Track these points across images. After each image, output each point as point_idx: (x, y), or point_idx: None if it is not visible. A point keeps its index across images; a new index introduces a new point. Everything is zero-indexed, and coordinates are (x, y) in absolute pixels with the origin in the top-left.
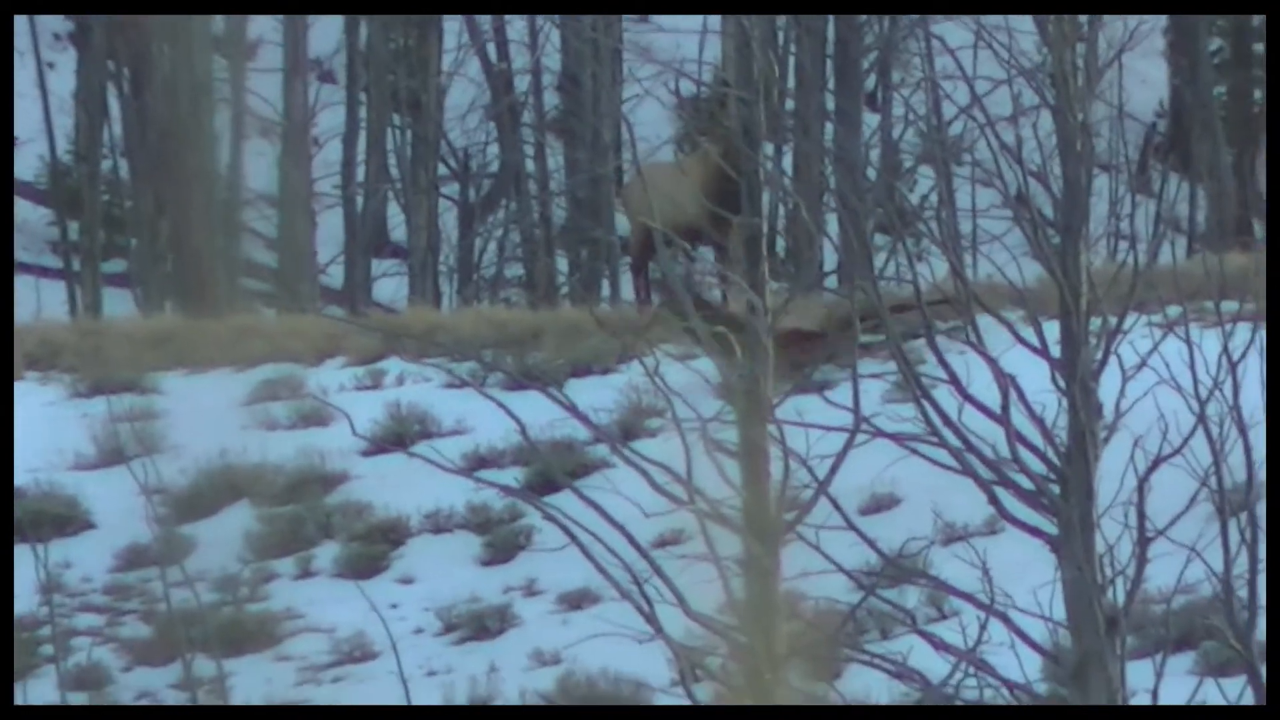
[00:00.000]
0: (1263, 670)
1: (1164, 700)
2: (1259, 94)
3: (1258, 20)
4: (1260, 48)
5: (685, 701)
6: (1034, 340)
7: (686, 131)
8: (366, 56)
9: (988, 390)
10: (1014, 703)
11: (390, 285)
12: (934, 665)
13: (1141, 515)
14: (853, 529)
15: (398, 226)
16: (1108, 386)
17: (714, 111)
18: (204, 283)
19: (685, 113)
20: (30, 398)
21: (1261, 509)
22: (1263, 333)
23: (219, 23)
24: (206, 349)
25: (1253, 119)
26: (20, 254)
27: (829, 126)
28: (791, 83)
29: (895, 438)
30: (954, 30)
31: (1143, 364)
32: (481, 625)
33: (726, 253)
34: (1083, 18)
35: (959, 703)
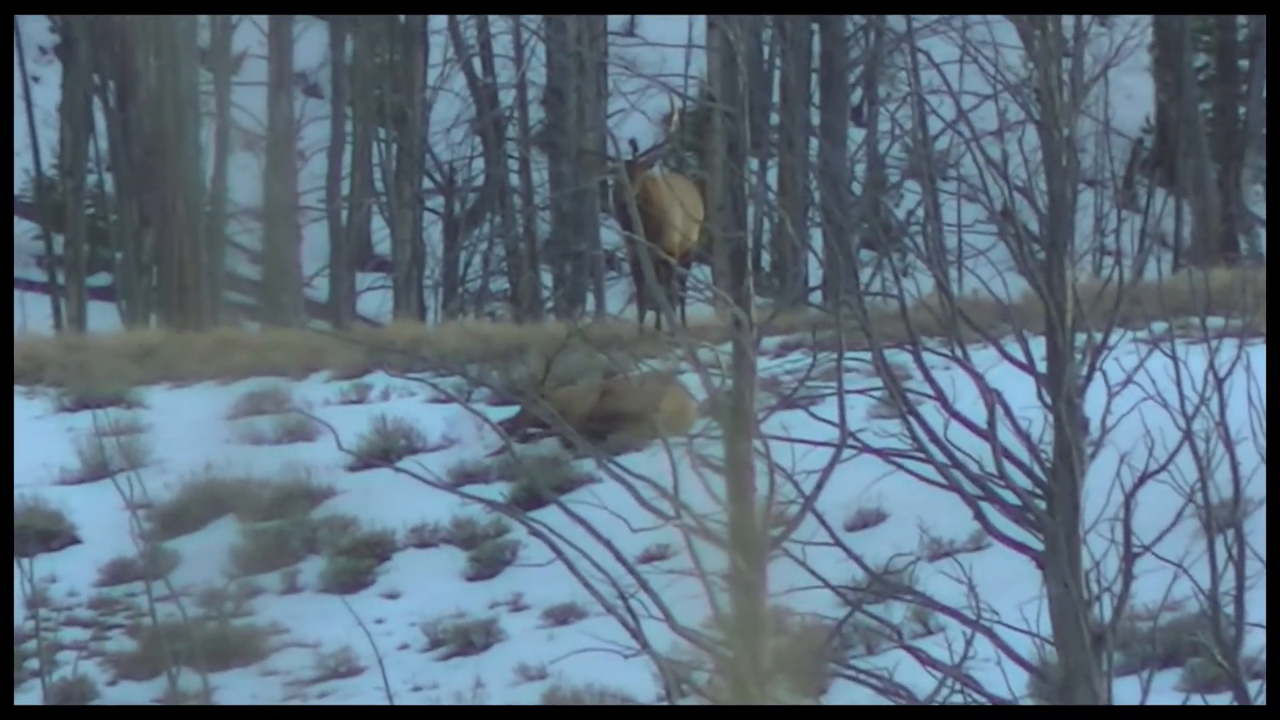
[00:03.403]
0: (1249, 687)
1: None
2: (1244, 109)
3: (1242, 35)
4: (1246, 64)
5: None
6: (1020, 356)
7: (671, 146)
8: (352, 70)
9: (973, 406)
10: None
11: (375, 299)
12: (920, 681)
13: (1128, 531)
14: (839, 544)
15: (382, 240)
16: (1093, 402)
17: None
18: (188, 296)
19: (670, 128)
20: (16, 412)
21: (1252, 525)
22: (1249, 349)
23: (204, 35)
24: (191, 363)
25: (1237, 134)
26: None
27: (814, 141)
28: (776, 97)
29: (881, 453)
30: (940, 45)
31: (1128, 380)
32: (467, 640)
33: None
34: (1068, 29)
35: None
